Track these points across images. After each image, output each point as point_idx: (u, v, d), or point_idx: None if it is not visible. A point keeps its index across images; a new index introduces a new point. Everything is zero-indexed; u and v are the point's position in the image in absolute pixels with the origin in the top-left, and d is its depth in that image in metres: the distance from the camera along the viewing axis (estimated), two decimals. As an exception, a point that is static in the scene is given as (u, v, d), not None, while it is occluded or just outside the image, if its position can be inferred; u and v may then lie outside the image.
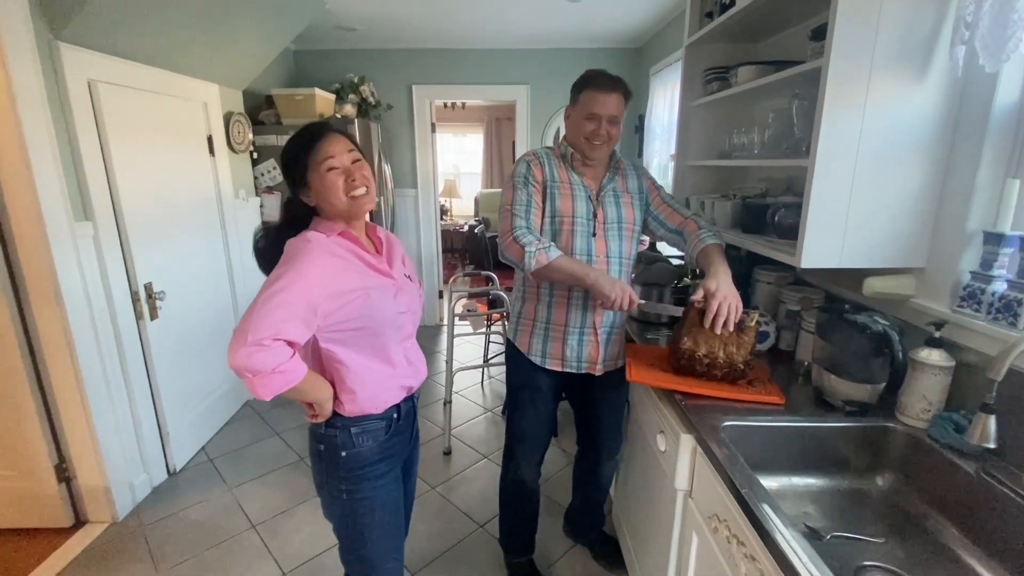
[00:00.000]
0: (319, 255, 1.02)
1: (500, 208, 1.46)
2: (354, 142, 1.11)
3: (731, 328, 1.28)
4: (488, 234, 4.22)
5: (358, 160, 1.09)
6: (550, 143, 3.47)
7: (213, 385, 2.76)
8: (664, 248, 2.49)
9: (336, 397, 1.10)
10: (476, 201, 7.32)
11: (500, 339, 3.42)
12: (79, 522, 2.06)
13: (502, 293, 2.59)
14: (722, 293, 1.26)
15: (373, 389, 1.12)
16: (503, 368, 3.39)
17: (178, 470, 2.40)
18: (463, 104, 6.73)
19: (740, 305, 1.28)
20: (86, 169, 1.90)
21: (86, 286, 1.90)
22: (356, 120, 3.27)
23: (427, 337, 4.21)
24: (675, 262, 2.04)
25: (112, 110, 2.01)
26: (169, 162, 2.38)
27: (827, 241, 1.23)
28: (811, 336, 1.46)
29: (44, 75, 1.74)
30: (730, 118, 2.01)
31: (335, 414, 1.11)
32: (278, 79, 3.58)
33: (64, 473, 2.00)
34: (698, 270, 1.93)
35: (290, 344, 0.98)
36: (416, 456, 1.37)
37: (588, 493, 1.82)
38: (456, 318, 2.64)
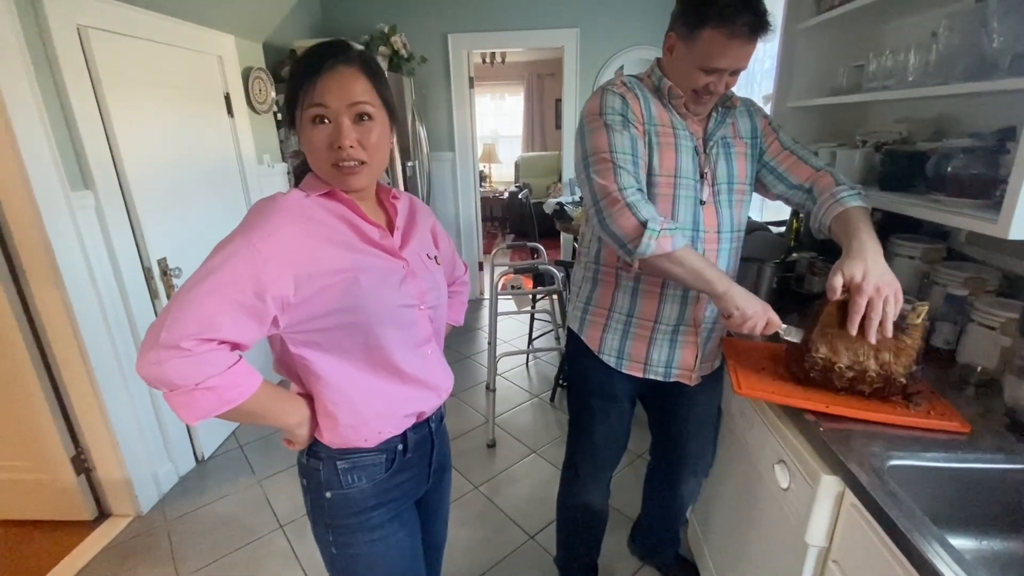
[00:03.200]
0: (286, 220, 0.71)
1: (588, 157, 1.01)
2: (378, 82, 0.76)
3: (889, 333, 0.90)
4: (532, 200, 3.87)
5: (366, 116, 0.74)
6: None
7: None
8: (758, 212, 2.08)
9: (314, 421, 0.81)
10: (516, 166, 6.91)
11: (547, 318, 3.11)
12: (103, 515, 1.93)
13: (552, 268, 2.26)
14: (872, 283, 0.87)
15: (363, 413, 0.81)
16: (549, 349, 3.13)
17: (206, 458, 2.26)
18: (503, 58, 6.25)
19: (900, 297, 0.89)
20: (81, 130, 1.66)
21: (89, 262, 1.69)
22: (387, 75, 2.93)
23: (467, 311, 3.94)
24: (776, 231, 1.64)
25: (108, 62, 1.75)
26: (181, 123, 2.13)
27: (1060, 200, 0.83)
28: (988, 332, 1.06)
29: (22, 20, 1.49)
30: (850, 41, 1.57)
31: (316, 440, 0.83)
32: (303, 30, 3.27)
33: (83, 464, 1.86)
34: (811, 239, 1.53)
35: (235, 346, 0.70)
36: (443, 490, 1.06)
37: (663, 513, 1.51)
38: (499, 295, 2.34)
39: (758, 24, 0.91)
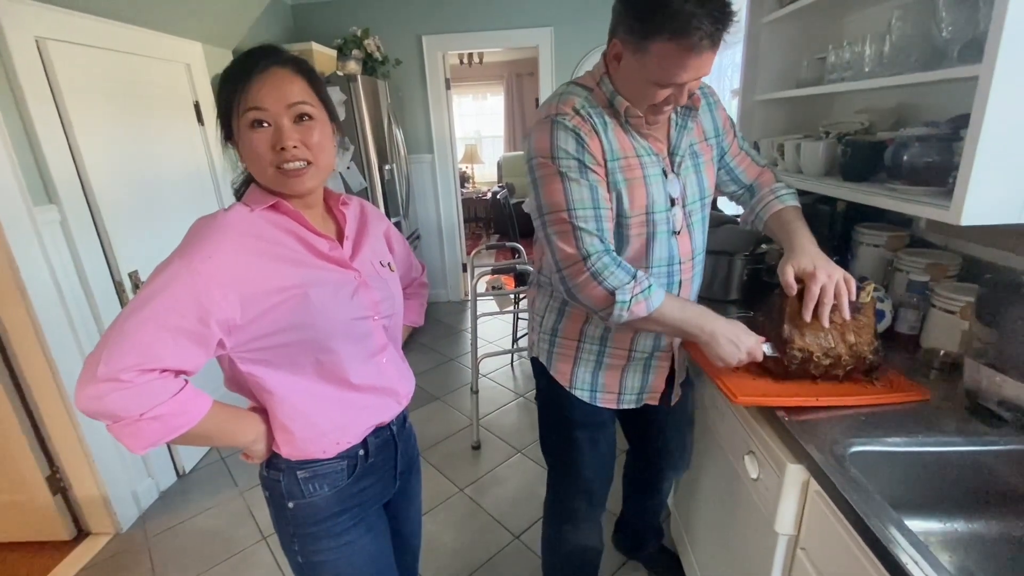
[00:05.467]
0: (229, 238, 0.70)
1: (544, 213, 0.92)
2: (314, 83, 0.75)
3: (847, 315, 0.94)
4: (512, 200, 3.87)
5: (306, 116, 0.73)
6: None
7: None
8: (724, 204, 2.10)
9: (270, 434, 0.80)
10: (499, 166, 6.90)
11: (530, 316, 3.11)
12: (82, 534, 1.90)
13: (530, 267, 2.26)
14: (824, 271, 0.92)
15: (320, 426, 0.80)
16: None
17: (188, 472, 2.22)
18: (480, 59, 6.24)
19: (851, 278, 0.94)
20: (43, 144, 1.63)
21: (56, 278, 1.66)
22: (360, 78, 2.92)
23: (451, 314, 3.94)
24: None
25: (69, 73, 1.72)
26: (150, 133, 2.10)
27: (1008, 186, 0.85)
28: (948, 317, 1.08)
29: (-24, 31, 1.46)
30: (812, 34, 1.59)
31: (275, 452, 0.82)
32: (273, 37, 3.23)
33: (58, 484, 1.83)
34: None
35: (179, 372, 0.68)
36: (412, 491, 1.04)
37: (645, 505, 1.52)
38: (480, 296, 2.34)
39: (719, 32, 0.77)
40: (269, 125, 0.71)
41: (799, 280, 0.94)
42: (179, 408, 0.67)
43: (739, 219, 1.21)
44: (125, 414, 0.63)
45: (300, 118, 0.73)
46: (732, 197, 1.19)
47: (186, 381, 0.69)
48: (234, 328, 0.70)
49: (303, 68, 0.75)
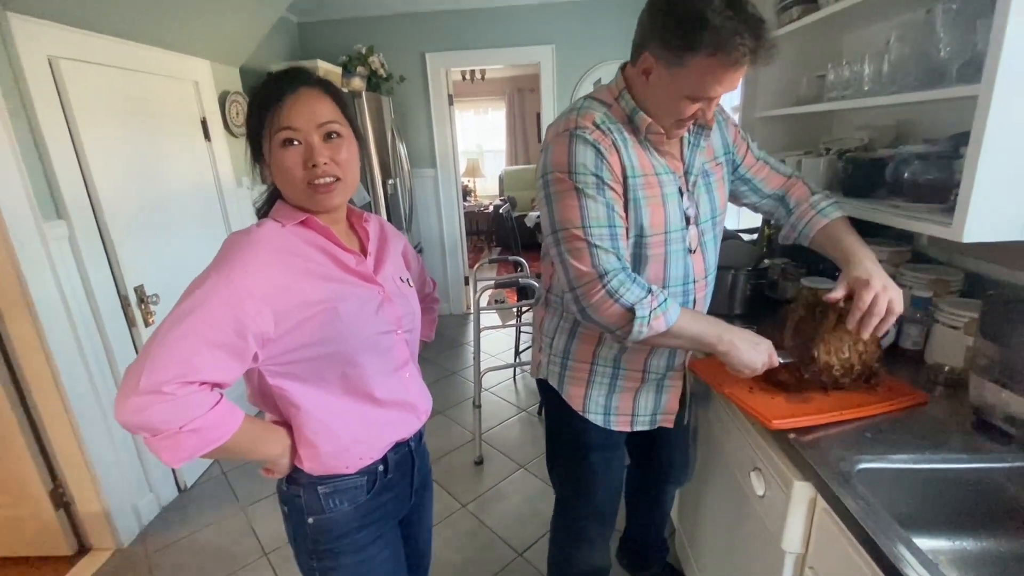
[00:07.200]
0: (263, 254, 0.72)
1: (557, 230, 0.90)
2: (341, 103, 0.79)
3: (881, 331, 0.92)
4: (514, 213, 3.90)
5: (335, 134, 0.76)
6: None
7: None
8: (731, 221, 2.11)
9: (293, 448, 0.81)
10: (500, 180, 6.95)
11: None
12: (83, 549, 1.89)
13: (533, 281, 2.27)
14: (880, 280, 0.89)
15: (343, 441, 0.81)
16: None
17: (189, 487, 2.21)
18: (482, 75, 6.32)
19: (900, 298, 0.90)
20: (53, 160, 1.66)
21: (63, 292, 1.67)
22: (364, 94, 2.96)
23: (454, 327, 3.94)
24: (746, 238, 1.67)
25: (80, 91, 1.75)
26: (157, 149, 2.13)
27: (1009, 203, 0.86)
28: (952, 332, 1.08)
29: (-9, 51, 1.49)
30: (812, 53, 1.61)
31: (296, 467, 0.83)
32: (280, 54, 3.28)
33: (62, 498, 1.82)
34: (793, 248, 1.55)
35: (215, 385, 0.69)
36: (425, 507, 1.05)
37: (649, 519, 1.50)
38: (483, 309, 2.34)
39: (760, 48, 0.78)
40: (300, 143, 0.74)
41: (848, 297, 0.92)
42: (216, 421, 0.69)
43: (779, 237, 1.16)
44: (165, 427, 0.65)
45: (329, 136, 0.76)
46: (756, 208, 1.16)
47: (221, 394, 0.71)
48: (267, 341, 0.72)
49: (331, 89, 0.78)
